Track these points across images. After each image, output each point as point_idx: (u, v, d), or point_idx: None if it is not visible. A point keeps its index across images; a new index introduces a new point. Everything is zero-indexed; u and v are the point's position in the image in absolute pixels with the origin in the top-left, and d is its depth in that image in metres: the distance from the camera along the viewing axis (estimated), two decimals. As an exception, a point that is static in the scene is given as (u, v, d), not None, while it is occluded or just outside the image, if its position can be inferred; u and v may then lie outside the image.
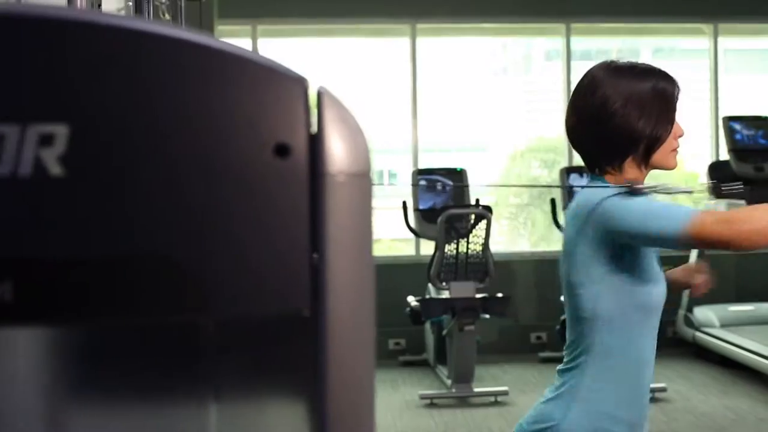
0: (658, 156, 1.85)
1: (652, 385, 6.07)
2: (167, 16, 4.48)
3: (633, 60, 1.93)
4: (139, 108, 0.79)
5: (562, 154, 7.64)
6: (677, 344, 6.94)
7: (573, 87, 1.93)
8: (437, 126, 7.60)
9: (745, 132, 6.55)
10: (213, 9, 6.51)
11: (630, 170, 1.86)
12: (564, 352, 1.89)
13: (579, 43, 7.33)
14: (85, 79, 0.77)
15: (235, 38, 7.07)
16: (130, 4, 2.70)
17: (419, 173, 6.24)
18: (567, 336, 1.89)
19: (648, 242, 1.76)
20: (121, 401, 0.85)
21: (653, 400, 5.58)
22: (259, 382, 0.90)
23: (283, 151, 0.85)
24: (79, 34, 0.77)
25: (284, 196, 0.86)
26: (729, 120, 6.65)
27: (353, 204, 0.88)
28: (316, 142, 0.87)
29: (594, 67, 1.89)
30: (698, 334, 6.66)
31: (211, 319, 0.87)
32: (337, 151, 0.86)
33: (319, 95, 0.87)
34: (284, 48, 7.45)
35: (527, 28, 7.46)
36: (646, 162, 1.86)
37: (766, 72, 8.25)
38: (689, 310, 6.82)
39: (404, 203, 6.00)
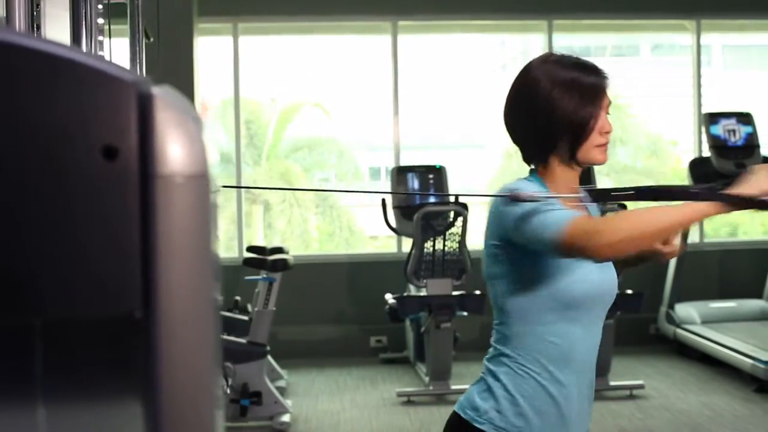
0: (583, 150, 1.84)
1: (630, 382, 6.03)
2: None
3: (569, 54, 1.93)
4: (-39, 111, 0.79)
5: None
6: (659, 341, 6.95)
7: None
8: (433, 123, 7.61)
9: (727, 128, 6.54)
10: (193, 7, 6.51)
11: (557, 167, 1.86)
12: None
13: (577, 39, 7.33)
14: None
15: (216, 36, 7.07)
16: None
17: (398, 171, 6.24)
18: (493, 324, 1.91)
19: (530, 248, 1.75)
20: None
21: (630, 397, 5.60)
22: (94, 384, 0.90)
23: (110, 153, 0.84)
24: None
25: (113, 198, 0.85)
26: (710, 116, 6.64)
27: (189, 205, 0.88)
28: (147, 144, 0.86)
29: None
30: (679, 331, 6.66)
31: (41, 320, 0.87)
32: (170, 153, 0.86)
33: (151, 98, 0.87)
34: (266, 46, 7.45)
35: (509, 25, 7.45)
36: (572, 155, 1.84)
37: (765, 68, 8.23)
38: (671, 307, 6.82)
39: (383, 200, 6.00)
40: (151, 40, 4.98)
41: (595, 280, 1.82)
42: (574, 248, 1.64)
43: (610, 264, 1.88)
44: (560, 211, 1.68)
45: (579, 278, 1.79)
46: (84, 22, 2.18)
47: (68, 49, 0.84)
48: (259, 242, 7.47)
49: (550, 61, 1.88)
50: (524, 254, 1.77)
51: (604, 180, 8.00)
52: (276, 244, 7.18)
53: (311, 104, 7.86)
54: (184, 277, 0.87)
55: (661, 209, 1.66)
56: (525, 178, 1.90)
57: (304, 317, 6.86)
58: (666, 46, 8.52)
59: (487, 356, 1.89)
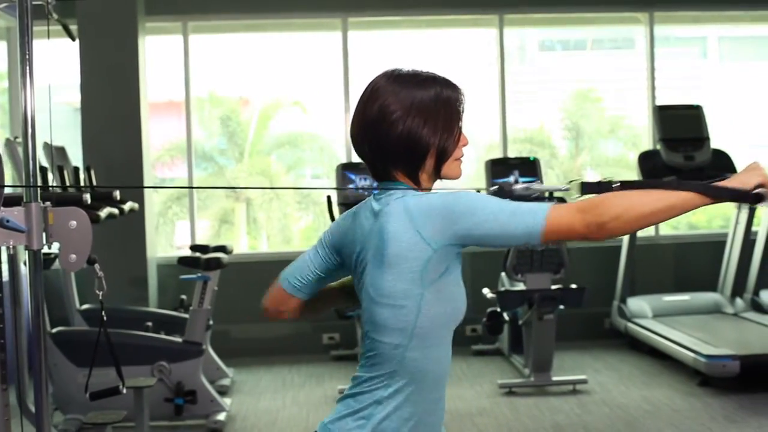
0: (446, 165, 1.77)
1: (573, 377, 6.00)
2: (54, 16, 4.46)
3: (418, 69, 1.79)
4: None
5: (540, 144, 7.66)
6: (612, 336, 6.94)
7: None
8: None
9: (675, 120, 6.51)
10: (138, 6, 6.50)
11: (423, 182, 1.77)
12: (361, 367, 1.76)
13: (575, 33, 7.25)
14: None
15: (166, 35, 7.06)
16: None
17: (343, 167, 6.22)
18: (364, 350, 1.76)
19: (509, 241, 1.66)
20: None
21: (573, 392, 5.60)
22: None
23: None
24: None
25: None
26: (659, 109, 6.62)
27: None
28: None
29: (377, 76, 1.80)
30: (630, 325, 6.64)
31: None
32: None
33: None
34: (216, 44, 7.43)
35: (460, 20, 7.41)
36: (437, 173, 1.77)
37: (763, 59, 8.19)
38: (623, 300, 6.80)
39: (329, 197, 5.97)
40: (76, 40, 4.97)
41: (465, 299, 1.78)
42: (563, 230, 1.59)
43: None
44: (539, 202, 1.64)
45: (463, 296, 1.74)
46: None
47: None
48: (244, 240, 7.49)
49: (397, 79, 1.75)
50: (449, 267, 1.68)
51: (590, 173, 7.98)
52: (262, 241, 7.19)
53: (290, 102, 7.85)
54: None
55: (655, 192, 1.59)
56: (398, 184, 1.75)
57: (257, 314, 6.83)
58: (660, 38, 8.49)
59: (358, 376, 1.75)
